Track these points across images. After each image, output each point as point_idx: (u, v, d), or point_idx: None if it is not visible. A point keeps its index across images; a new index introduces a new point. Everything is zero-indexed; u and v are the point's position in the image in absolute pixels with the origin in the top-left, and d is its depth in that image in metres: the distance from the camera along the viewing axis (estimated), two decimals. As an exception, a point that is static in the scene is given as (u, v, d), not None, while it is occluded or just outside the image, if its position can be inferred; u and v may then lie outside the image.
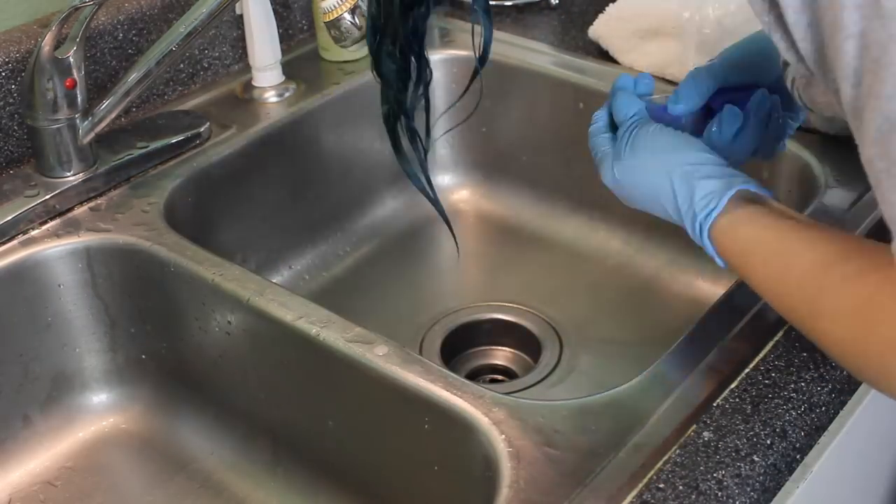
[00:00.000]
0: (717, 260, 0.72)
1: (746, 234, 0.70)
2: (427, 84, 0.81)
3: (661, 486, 0.66)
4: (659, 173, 0.74)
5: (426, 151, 0.84)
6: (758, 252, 0.70)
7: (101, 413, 0.96)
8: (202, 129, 1.04)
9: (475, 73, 0.83)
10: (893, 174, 0.55)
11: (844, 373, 0.75)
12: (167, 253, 0.89)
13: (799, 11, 0.58)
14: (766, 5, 0.60)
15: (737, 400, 0.71)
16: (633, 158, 0.76)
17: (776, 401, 0.71)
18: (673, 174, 0.73)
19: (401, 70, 0.79)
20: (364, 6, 0.82)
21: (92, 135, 0.95)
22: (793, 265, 0.66)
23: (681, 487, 0.65)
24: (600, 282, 1.09)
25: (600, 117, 0.82)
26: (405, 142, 0.82)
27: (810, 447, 0.73)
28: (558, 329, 1.06)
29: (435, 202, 0.87)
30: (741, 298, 0.79)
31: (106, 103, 0.95)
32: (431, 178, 0.85)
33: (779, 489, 0.70)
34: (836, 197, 0.91)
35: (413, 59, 0.79)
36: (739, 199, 0.70)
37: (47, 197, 0.93)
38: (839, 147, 0.95)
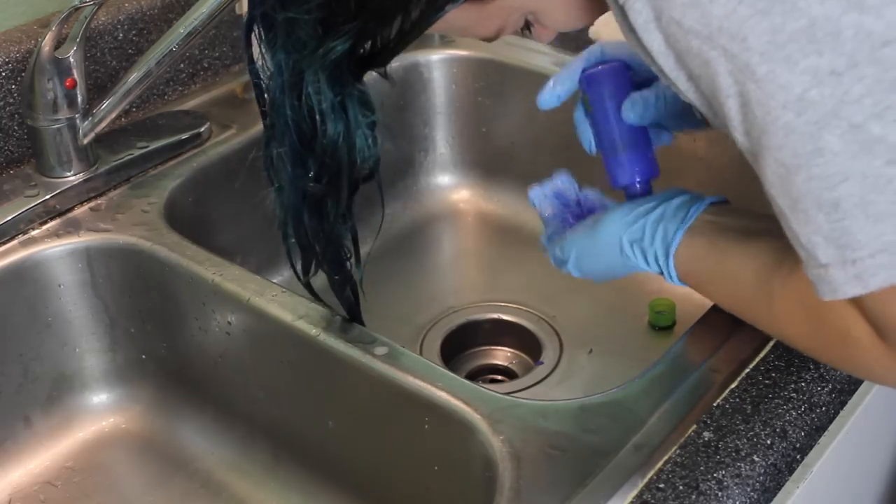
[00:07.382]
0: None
1: (697, 271, 0.73)
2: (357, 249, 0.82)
3: (661, 486, 0.66)
4: (610, 258, 0.76)
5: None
6: (713, 281, 0.73)
7: (101, 413, 0.96)
8: (202, 129, 1.04)
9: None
10: (795, 209, 0.58)
11: (844, 373, 0.74)
12: (167, 253, 0.89)
13: (675, 69, 0.60)
14: (649, 59, 0.62)
15: (737, 400, 0.71)
16: (579, 262, 0.78)
17: (776, 401, 0.71)
18: (618, 256, 0.76)
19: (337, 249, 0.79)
20: None
21: (92, 135, 0.95)
22: (741, 282, 0.70)
23: (681, 487, 0.65)
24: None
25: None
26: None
27: (810, 447, 0.73)
28: (558, 329, 1.06)
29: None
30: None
31: (106, 103, 0.95)
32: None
33: (779, 489, 0.70)
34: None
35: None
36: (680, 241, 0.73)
37: (47, 197, 0.93)
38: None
